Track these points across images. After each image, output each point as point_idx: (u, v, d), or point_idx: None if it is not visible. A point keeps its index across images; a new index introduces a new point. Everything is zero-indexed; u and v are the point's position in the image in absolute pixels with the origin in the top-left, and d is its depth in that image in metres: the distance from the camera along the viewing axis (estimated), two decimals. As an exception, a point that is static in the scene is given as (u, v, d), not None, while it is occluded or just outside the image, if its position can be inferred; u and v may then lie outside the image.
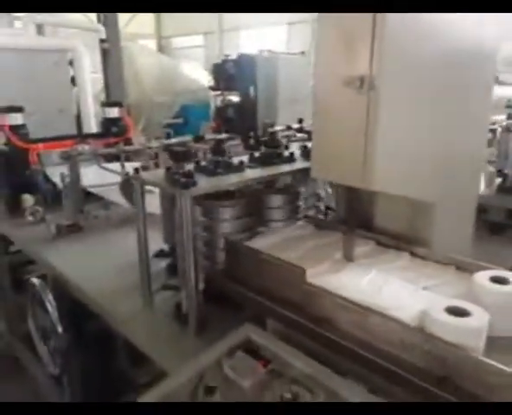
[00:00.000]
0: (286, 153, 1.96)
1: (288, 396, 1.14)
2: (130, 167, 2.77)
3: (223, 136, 1.84)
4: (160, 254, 2.26)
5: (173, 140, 2.12)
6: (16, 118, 3.00)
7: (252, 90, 5.88)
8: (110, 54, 5.55)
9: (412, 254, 1.55)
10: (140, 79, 6.89)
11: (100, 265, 2.30)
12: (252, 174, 1.77)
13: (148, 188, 2.49)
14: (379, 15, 1.25)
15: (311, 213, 2.04)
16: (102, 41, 5.36)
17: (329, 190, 2.24)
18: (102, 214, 2.76)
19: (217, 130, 6.19)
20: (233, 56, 6.14)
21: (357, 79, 1.31)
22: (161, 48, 16.49)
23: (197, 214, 1.68)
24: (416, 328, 1.15)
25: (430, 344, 1.10)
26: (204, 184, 1.58)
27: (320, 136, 1.45)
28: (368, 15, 1.27)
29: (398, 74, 1.29)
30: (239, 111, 6.16)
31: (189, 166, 1.68)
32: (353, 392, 1.15)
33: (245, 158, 1.90)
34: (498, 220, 2.64)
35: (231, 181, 1.68)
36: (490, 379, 1.01)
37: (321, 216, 2.04)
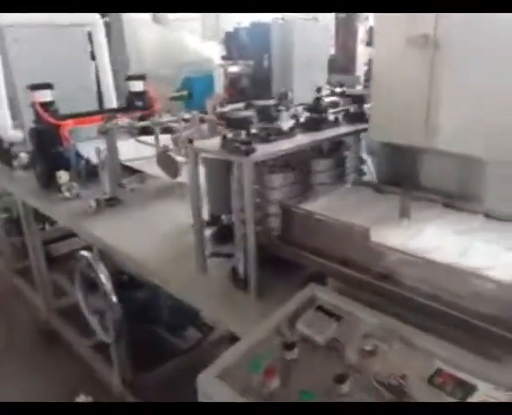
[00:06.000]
0: (331, 118, 1.97)
1: (368, 348, 1.19)
2: (165, 140, 2.80)
3: (271, 101, 1.85)
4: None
5: (226, 108, 2.13)
6: (46, 95, 3.00)
7: (266, 58, 5.84)
8: (112, 27, 5.46)
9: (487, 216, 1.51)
10: (142, 52, 6.79)
11: (145, 236, 2.34)
12: (302, 139, 1.79)
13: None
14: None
15: (353, 175, 2.06)
16: (103, 15, 5.23)
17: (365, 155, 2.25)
18: (138, 187, 2.79)
19: (230, 101, 6.17)
20: (246, 24, 6.07)
21: (421, 38, 1.32)
22: (156, 20, 16.13)
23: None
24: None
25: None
26: (261, 151, 1.60)
27: (380, 97, 1.46)
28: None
29: (465, 34, 1.29)
30: (253, 80, 6.12)
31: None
32: (425, 340, 1.21)
33: (289, 123, 1.91)
34: None
35: (284, 146, 1.70)
36: None
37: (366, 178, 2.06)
